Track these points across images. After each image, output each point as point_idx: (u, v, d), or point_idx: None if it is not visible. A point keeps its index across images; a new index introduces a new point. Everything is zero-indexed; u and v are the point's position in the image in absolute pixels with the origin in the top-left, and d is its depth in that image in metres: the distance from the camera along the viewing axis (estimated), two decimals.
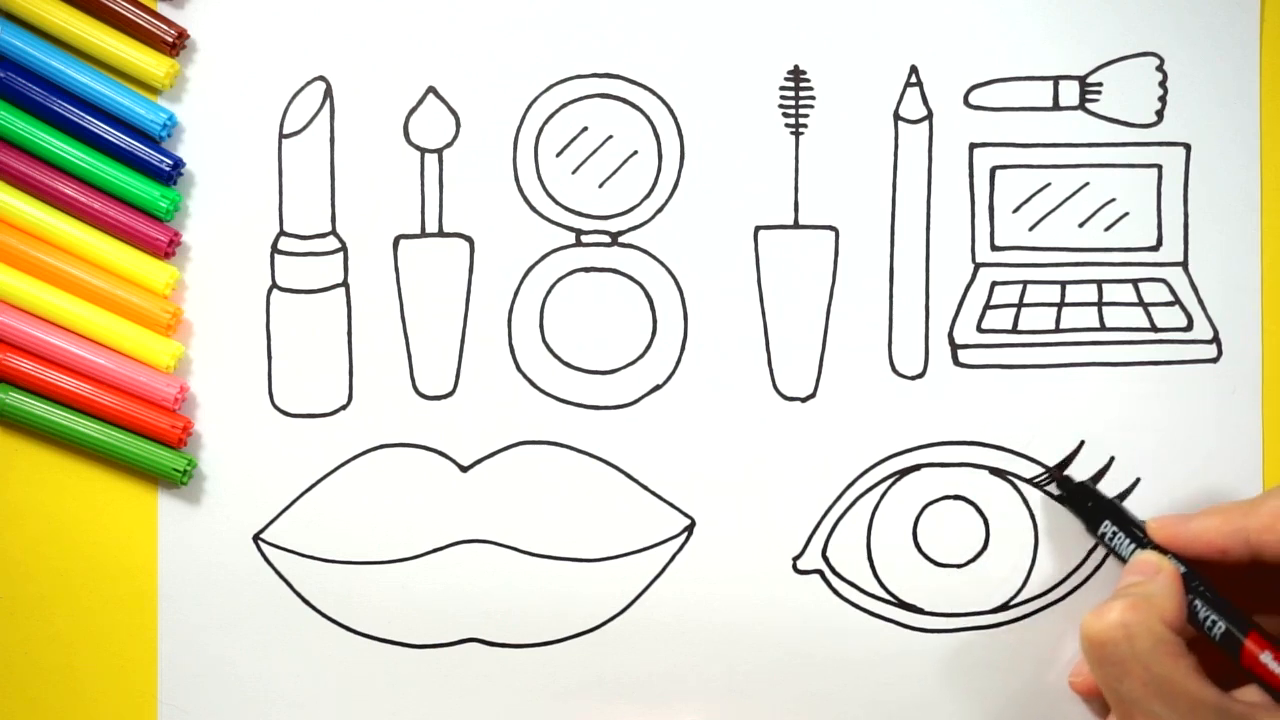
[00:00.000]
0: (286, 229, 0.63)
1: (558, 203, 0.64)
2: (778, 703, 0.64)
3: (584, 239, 0.64)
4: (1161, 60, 0.64)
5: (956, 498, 0.64)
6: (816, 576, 0.64)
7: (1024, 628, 0.64)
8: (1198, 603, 0.57)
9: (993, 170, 0.64)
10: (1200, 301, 0.65)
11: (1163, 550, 0.59)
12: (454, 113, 0.63)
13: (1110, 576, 0.64)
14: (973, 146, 0.64)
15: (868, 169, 0.64)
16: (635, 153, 0.64)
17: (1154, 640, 0.55)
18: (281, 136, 0.63)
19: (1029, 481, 0.64)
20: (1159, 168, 0.64)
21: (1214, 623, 0.57)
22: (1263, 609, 0.59)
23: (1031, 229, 0.64)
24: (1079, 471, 0.64)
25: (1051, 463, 0.64)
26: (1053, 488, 0.63)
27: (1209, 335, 0.65)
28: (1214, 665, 0.56)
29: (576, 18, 0.63)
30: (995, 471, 0.64)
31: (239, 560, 0.63)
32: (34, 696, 0.63)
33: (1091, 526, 0.62)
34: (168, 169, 0.62)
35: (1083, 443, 0.64)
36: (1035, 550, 0.64)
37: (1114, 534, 0.61)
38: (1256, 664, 0.55)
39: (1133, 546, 0.60)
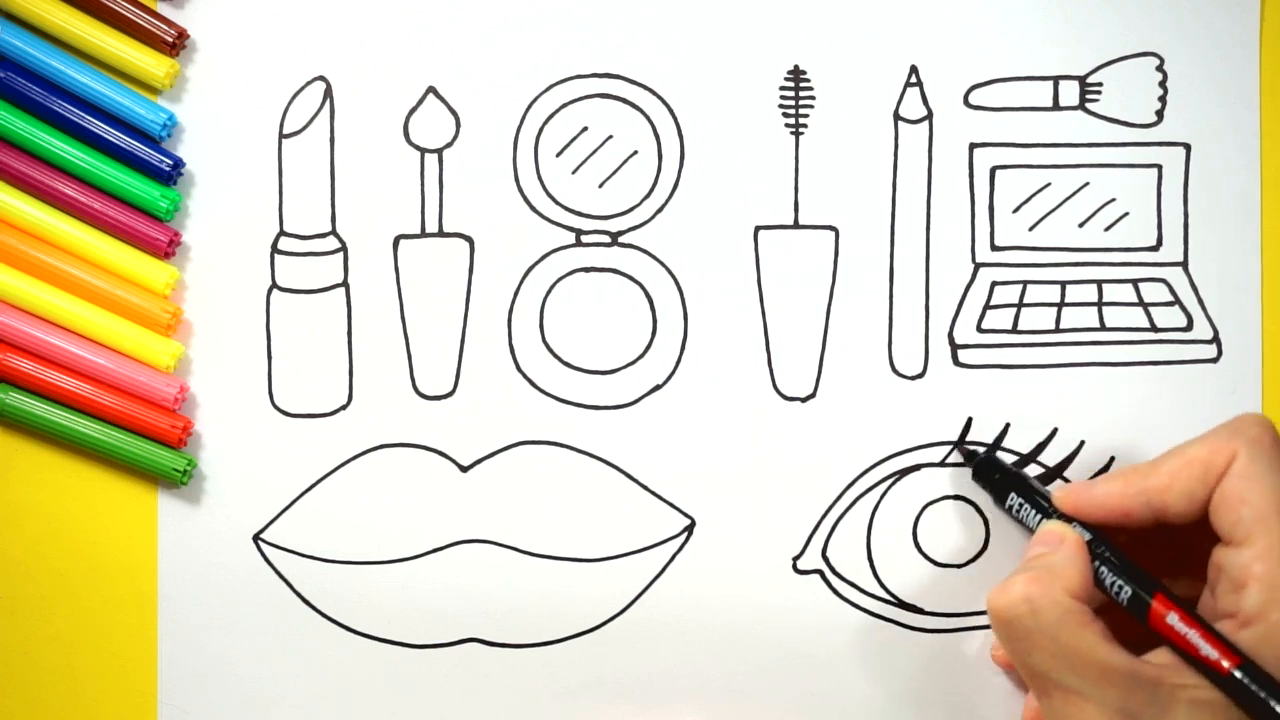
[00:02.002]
0: (286, 229, 0.63)
1: (558, 203, 0.64)
2: (778, 703, 0.64)
3: (584, 239, 0.64)
4: (1161, 60, 0.64)
5: (956, 498, 0.64)
6: (816, 576, 0.64)
7: None
8: (1103, 569, 0.57)
9: (993, 170, 0.64)
10: (1200, 301, 0.65)
11: (1068, 519, 0.59)
12: (454, 113, 0.63)
13: None
14: (973, 146, 0.64)
15: (868, 169, 0.64)
16: (635, 153, 0.64)
17: (1059, 611, 0.55)
18: (281, 136, 0.63)
19: (952, 459, 0.64)
20: (1159, 168, 0.64)
21: (1120, 587, 0.57)
22: (1172, 571, 0.59)
23: (1031, 229, 0.64)
24: (1049, 457, 0.64)
25: (1052, 463, 0.64)
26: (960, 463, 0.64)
27: (1209, 335, 0.65)
28: (1127, 629, 0.56)
29: (576, 18, 0.63)
30: None
31: (239, 560, 0.63)
32: (34, 696, 0.63)
33: (999, 499, 0.62)
34: (168, 169, 0.62)
35: (1083, 442, 0.64)
36: None
37: (1020, 505, 0.61)
38: (1163, 625, 0.55)
39: (1039, 517, 0.60)
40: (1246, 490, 0.55)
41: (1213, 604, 0.57)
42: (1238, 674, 0.52)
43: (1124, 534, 0.59)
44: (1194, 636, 0.54)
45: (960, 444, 0.63)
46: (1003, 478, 0.62)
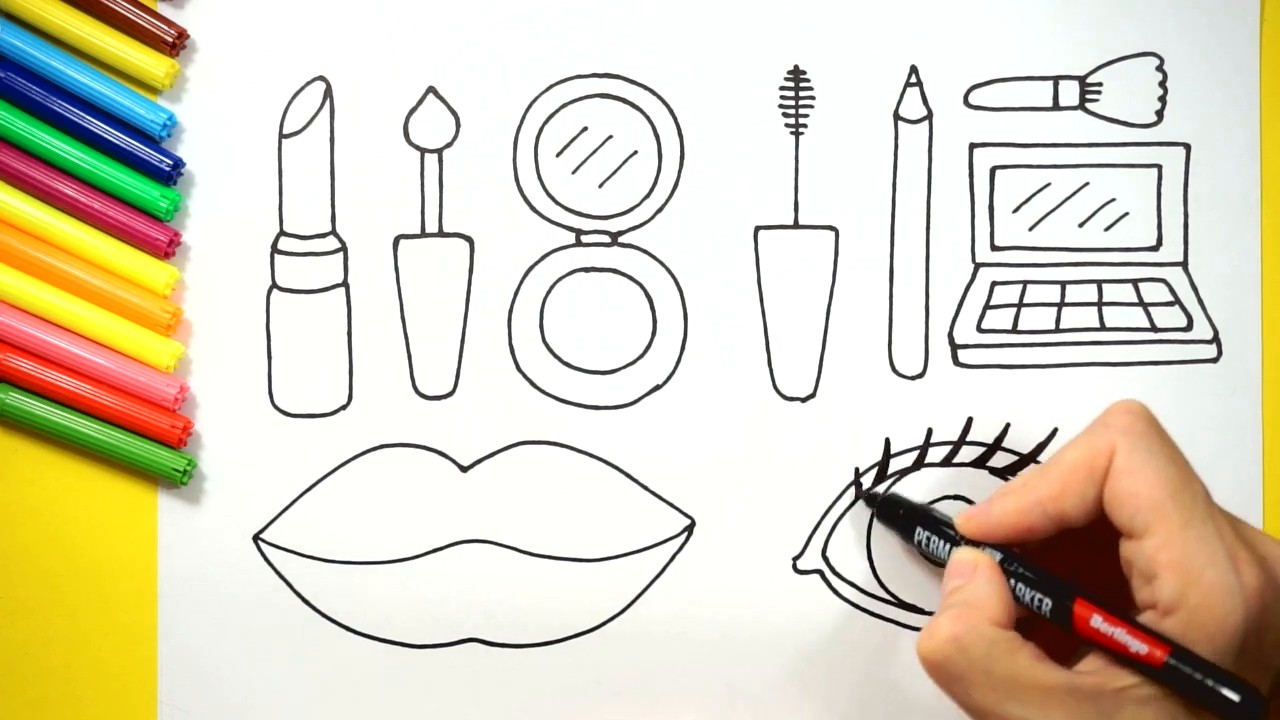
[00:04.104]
0: (286, 229, 0.63)
1: (558, 203, 0.64)
2: (778, 703, 0.64)
3: (584, 239, 0.64)
4: (1161, 60, 0.64)
5: (956, 498, 0.64)
6: (816, 576, 0.64)
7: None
8: (1020, 585, 0.56)
9: (993, 170, 0.64)
10: (1200, 301, 0.65)
11: (977, 543, 0.58)
12: (454, 113, 0.63)
13: None
14: (973, 146, 0.64)
15: (868, 169, 0.64)
16: (635, 153, 0.64)
17: (987, 645, 0.54)
18: (281, 136, 0.63)
19: (859, 499, 0.64)
20: (1159, 168, 0.64)
21: (1040, 601, 0.56)
22: (1096, 568, 0.58)
23: (1031, 229, 0.64)
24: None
25: (865, 493, 0.64)
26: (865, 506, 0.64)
27: (1209, 335, 0.65)
28: (1061, 642, 0.56)
29: (576, 18, 0.63)
30: (995, 471, 0.64)
31: (239, 560, 0.63)
32: (34, 696, 0.63)
33: (907, 536, 0.62)
34: (168, 169, 0.62)
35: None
36: None
37: (928, 539, 0.60)
38: (1089, 630, 0.54)
39: (948, 548, 0.59)
40: (1133, 483, 0.54)
41: (1135, 596, 0.56)
42: (1172, 662, 0.52)
43: (1034, 544, 0.58)
44: (1121, 635, 0.53)
45: (862, 492, 0.63)
46: (906, 514, 0.62)
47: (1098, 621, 0.54)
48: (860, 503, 0.64)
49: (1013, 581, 0.56)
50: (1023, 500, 0.57)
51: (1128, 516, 0.54)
